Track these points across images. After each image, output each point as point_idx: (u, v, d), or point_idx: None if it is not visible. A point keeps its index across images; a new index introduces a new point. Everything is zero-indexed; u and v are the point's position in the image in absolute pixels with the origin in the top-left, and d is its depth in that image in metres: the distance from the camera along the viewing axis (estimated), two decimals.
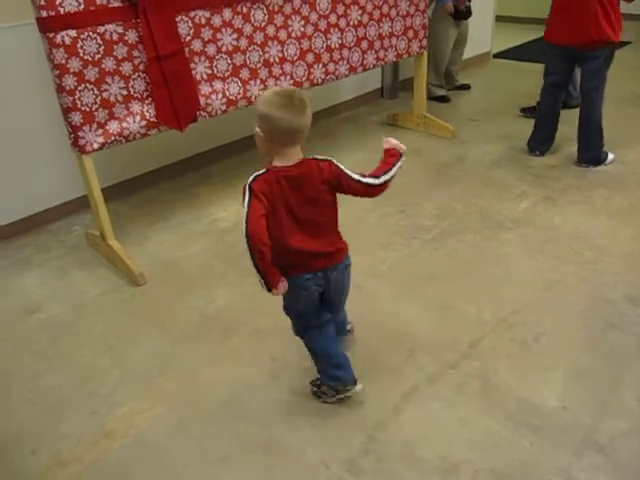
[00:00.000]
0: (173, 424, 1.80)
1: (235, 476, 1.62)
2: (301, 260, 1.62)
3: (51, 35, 2.15)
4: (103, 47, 2.28)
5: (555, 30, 3.20)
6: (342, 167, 1.61)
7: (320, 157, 1.60)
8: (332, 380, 1.78)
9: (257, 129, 1.52)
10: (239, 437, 1.74)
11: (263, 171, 1.54)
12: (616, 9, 3.04)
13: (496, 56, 5.89)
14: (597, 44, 3.07)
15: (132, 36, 2.35)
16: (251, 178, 1.53)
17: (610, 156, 3.36)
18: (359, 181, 1.61)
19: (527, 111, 4.12)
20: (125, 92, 2.40)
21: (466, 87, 4.93)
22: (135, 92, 2.43)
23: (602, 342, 2.03)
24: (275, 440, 1.73)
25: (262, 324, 2.20)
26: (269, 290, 1.60)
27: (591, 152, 3.32)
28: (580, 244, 2.59)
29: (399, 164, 1.67)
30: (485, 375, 1.91)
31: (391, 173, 1.64)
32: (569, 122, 3.50)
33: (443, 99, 4.65)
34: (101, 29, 2.26)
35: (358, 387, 1.78)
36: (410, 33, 3.56)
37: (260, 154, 1.58)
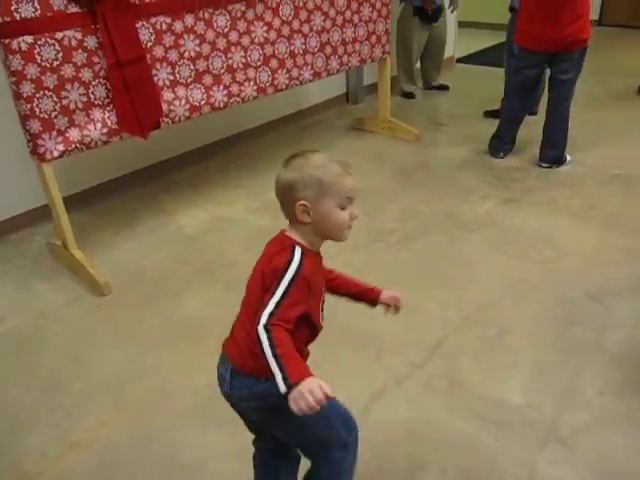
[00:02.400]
0: (141, 433, 1.78)
1: None
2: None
3: (7, 41, 2.10)
4: (61, 53, 2.25)
5: (529, 34, 3.19)
6: None
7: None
8: None
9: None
10: (209, 444, 1.73)
11: (299, 250, 1.16)
12: (586, 4, 3.08)
13: (459, 61, 6.00)
14: (574, 45, 3.11)
15: (91, 42, 2.32)
16: (298, 254, 1.14)
17: (568, 157, 3.46)
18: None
19: (490, 114, 4.20)
20: (85, 99, 2.37)
21: (444, 88, 5.06)
22: (96, 99, 2.40)
23: (564, 338, 2.08)
24: (246, 444, 1.71)
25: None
26: (290, 386, 1.02)
27: (556, 151, 3.41)
28: (541, 244, 2.66)
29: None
30: (451, 374, 1.94)
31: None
32: (529, 125, 3.58)
33: (409, 95, 4.89)
34: (59, 35, 2.22)
35: None
36: (373, 38, 3.60)
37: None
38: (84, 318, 2.31)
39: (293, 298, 1.10)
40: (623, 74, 5.08)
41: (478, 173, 3.41)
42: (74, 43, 2.28)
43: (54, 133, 2.31)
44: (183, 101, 2.70)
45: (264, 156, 3.73)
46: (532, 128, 3.63)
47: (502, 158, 3.57)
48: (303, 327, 1.18)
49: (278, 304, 1.09)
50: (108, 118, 2.45)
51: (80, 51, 2.30)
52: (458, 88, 5.06)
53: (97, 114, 2.42)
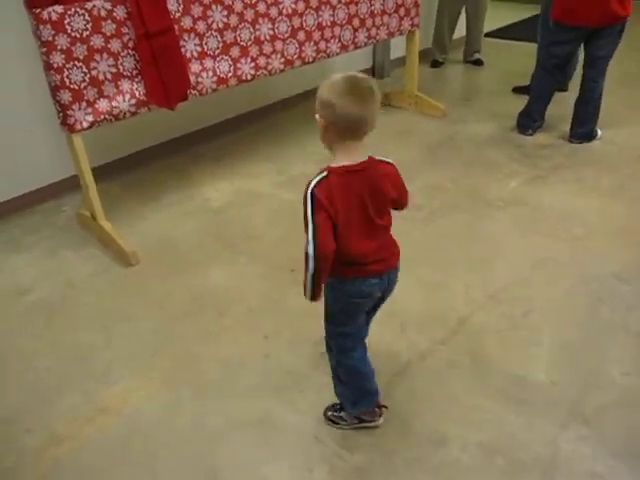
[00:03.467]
0: (167, 402, 1.82)
1: (230, 450, 1.65)
2: (366, 265, 1.44)
3: (37, 11, 2.11)
4: (91, 24, 2.25)
5: (568, 10, 3.07)
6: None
7: (382, 159, 1.43)
8: (360, 403, 1.65)
9: (317, 116, 1.37)
10: (234, 413, 1.76)
11: (324, 174, 1.35)
12: None
13: (488, 35, 5.85)
14: (614, 21, 3.01)
15: (120, 12, 2.32)
16: (312, 184, 1.34)
17: (599, 132, 3.39)
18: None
19: (519, 90, 4.11)
20: (114, 70, 2.38)
21: (478, 63, 4.98)
22: (124, 70, 2.41)
23: (589, 318, 2.06)
24: (269, 415, 1.75)
25: (255, 303, 2.21)
26: (312, 300, 1.44)
27: (585, 127, 3.35)
28: (569, 222, 2.62)
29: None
30: (474, 351, 1.94)
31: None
32: (555, 102, 3.50)
33: (434, 63, 4.94)
34: (89, 5, 2.22)
35: (381, 420, 1.69)
36: (402, 11, 3.53)
37: (322, 145, 1.42)
38: (112, 288, 2.36)
39: (319, 223, 1.34)
40: None
41: (506, 150, 3.36)
42: (103, 13, 2.28)
43: (84, 104, 2.32)
44: (210, 73, 2.69)
45: (290, 130, 3.71)
46: (561, 105, 3.56)
47: (531, 135, 3.51)
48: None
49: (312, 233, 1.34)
50: (136, 89, 2.46)
51: (109, 21, 2.30)
52: (487, 63, 4.95)
53: (125, 85, 2.43)
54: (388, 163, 1.44)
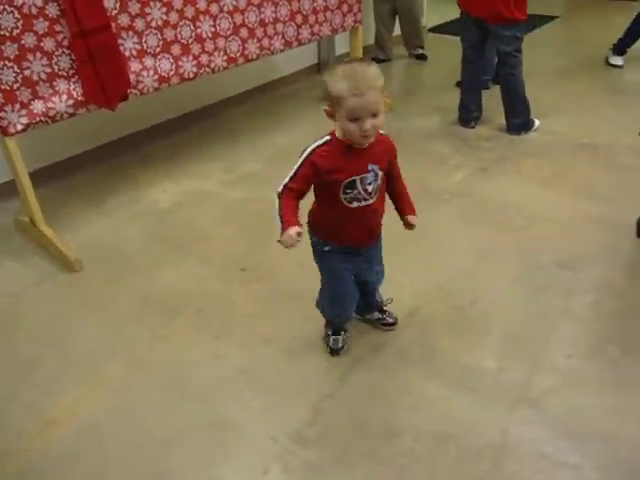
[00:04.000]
0: (117, 409, 1.77)
1: (183, 455, 1.62)
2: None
3: None
4: (22, 21, 2.16)
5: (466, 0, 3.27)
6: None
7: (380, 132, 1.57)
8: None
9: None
10: (186, 417, 1.73)
11: (326, 139, 1.55)
12: None
13: (432, 30, 5.96)
14: (502, 21, 3.15)
15: (53, 10, 2.23)
16: (312, 146, 1.54)
17: (536, 122, 3.51)
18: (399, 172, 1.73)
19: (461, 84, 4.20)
20: (49, 70, 2.29)
21: (421, 57, 5.04)
22: (60, 70, 2.32)
23: (534, 304, 2.13)
24: (222, 417, 1.73)
25: (205, 304, 2.18)
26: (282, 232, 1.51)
27: (519, 118, 3.46)
28: (512, 212, 2.70)
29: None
30: (424, 341, 1.97)
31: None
32: (497, 95, 3.59)
33: (373, 60, 4.86)
34: (18, 2, 2.13)
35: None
36: (344, 7, 3.54)
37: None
38: (55, 296, 2.28)
39: (299, 177, 1.53)
40: (592, 45, 5.11)
41: (450, 143, 3.43)
42: (34, 11, 2.18)
43: (17, 106, 2.23)
44: (151, 72, 2.63)
45: (236, 128, 3.68)
46: (500, 98, 3.65)
47: (473, 128, 3.59)
48: (331, 201, 1.59)
49: (290, 178, 1.54)
50: (74, 90, 2.38)
51: (41, 19, 2.21)
52: (430, 58, 5.03)
53: (62, 85, 2.35)
54: (386, 135, 1.64)
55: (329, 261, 1.74)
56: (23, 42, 2.19)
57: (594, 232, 2.53)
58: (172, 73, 2.72)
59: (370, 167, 1.55)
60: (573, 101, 3.98)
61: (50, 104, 2.32)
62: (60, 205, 2.86)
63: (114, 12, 2.42)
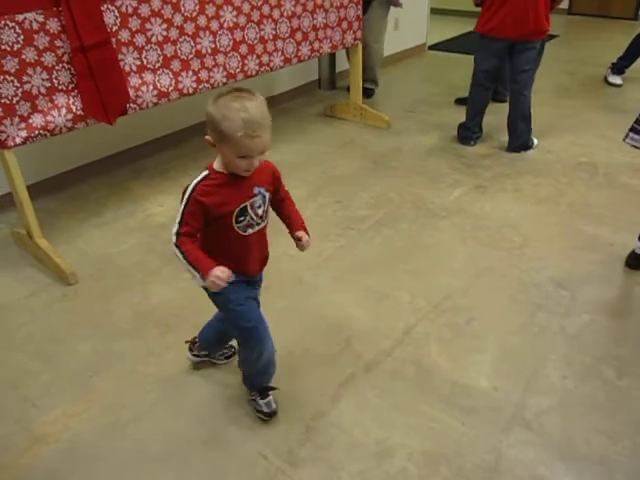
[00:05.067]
0: (108, 425, 1.76)
1: (174, 473, 1.61)
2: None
3: None
4: (23, 36, 2.18)
5: (491, 22, 3.22)
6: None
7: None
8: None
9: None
10: (176, 434, 1.72)
11: (205, 174, 1.47)
12: None
13: (431, 48, 6.01)
14: (535, 35, 3.18)
15: (54, 25, 2.25)
16: (192, 184, 1.45)
17: (535, 141, 3.53)
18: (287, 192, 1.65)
19: (461, 102, 4.22)
20: (49, 84, 2.31)
21: (365, 91, 4.30)
22: (60, 84, 2.34)
23: (529, 323, 2.12)
24: (213, 434, 1.72)
25: (198, 319, 2.16)
26: (204, 279, 1.44)
27: (521, 139, 3.48)
28: (509, 231, 2.70)
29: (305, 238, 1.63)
30: (419, 360, 1.96)
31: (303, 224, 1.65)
32: (496, 113, 3.62)
33: (367, 94, 4.44)
34: (19, 17, 2.15)
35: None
36: (344, 24, 3.58)
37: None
38: (50, 308, 2.27)
39: (188, 217, 1.45)
40: (591, 64, 5.15)
41: (448, 160, 3.44)
42: (35, 26, 2.21)
43: (16, 119, 2.24)
44: (151, 87, 2.64)
45: None
46: (500, 115, 3.68)
47: (472, 146, 3.61)
48: (222, 233, 1.50)
49: (180, 223, 1.46)
50: (73, 104, 2.39)
51: (42, 34, 2.23)
52: (430, 75, 5.07)
53: (61, 100, 2.36)
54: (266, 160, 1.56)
55: (232, 295, 1.57)
56: (24, 56, 2.21)
57: (591, 251, 2.52)
58: (171, 88, 2.74)
59: (257, 190, 1.50)
60: (572, 120, 4.00)
61: (49, 117, 2.33)
62: (57, 218, 2.86)
63: (114, 28, 2.44)
